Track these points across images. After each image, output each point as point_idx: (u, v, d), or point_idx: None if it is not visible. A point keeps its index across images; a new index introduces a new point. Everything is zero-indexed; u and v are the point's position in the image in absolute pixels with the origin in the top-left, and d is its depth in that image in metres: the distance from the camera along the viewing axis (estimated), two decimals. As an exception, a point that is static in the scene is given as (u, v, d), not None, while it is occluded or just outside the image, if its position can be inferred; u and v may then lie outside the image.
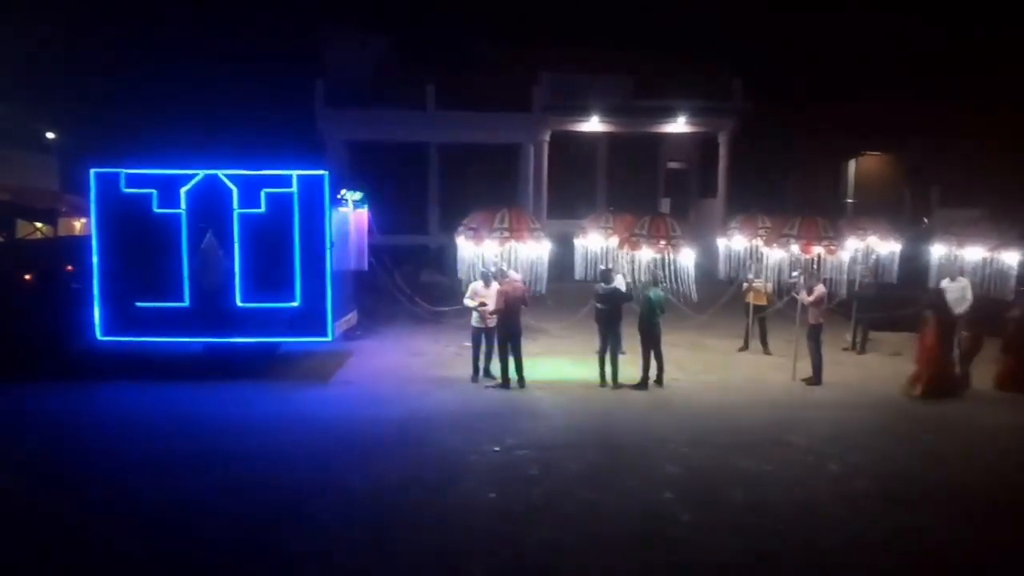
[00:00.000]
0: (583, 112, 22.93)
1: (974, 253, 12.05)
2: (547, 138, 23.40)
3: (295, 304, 10.73)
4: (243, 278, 10.72)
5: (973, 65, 20.07)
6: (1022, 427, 9.32)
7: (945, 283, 11.75)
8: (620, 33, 23.78)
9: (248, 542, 5.86)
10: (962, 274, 11.87)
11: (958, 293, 11.56)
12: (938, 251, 12.62)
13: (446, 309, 13.58)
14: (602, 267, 11.57)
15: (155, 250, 10.68)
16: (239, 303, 10.72)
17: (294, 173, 10.71)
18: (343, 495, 6.77)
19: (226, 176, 10.70)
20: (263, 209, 10.66)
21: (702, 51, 23.51)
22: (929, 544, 5.95)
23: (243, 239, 10.68)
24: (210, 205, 10.69)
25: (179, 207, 10.70)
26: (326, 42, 23.37)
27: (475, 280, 10.87)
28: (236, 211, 10.68)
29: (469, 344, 11.10)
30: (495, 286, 10.52)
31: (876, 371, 12.07)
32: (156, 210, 10.68)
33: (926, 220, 23.43)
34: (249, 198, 10.67)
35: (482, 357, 10.89)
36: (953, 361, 10.73)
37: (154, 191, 10.69)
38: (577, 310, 13.33)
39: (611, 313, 10.53)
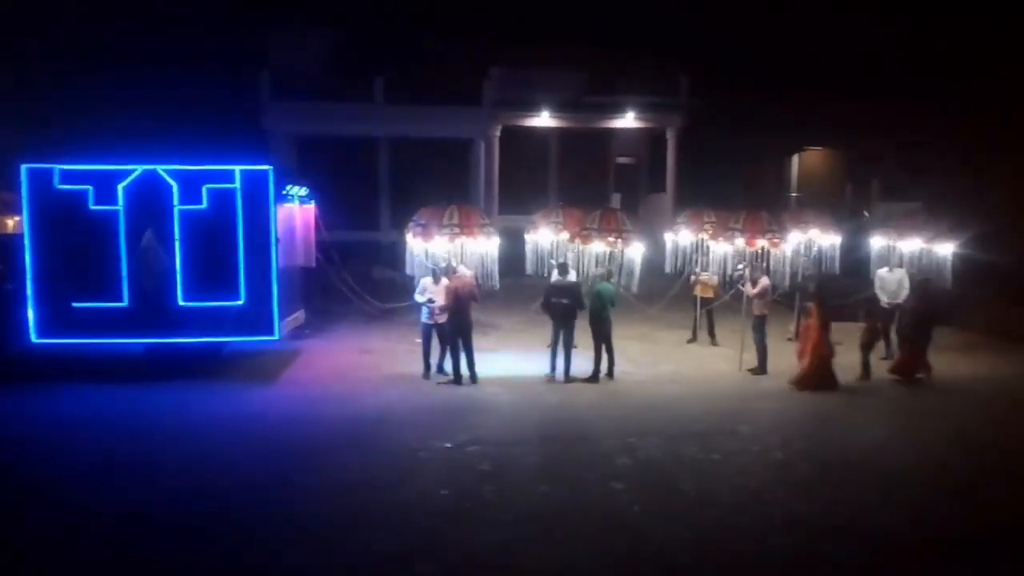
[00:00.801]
0: (533, 107, 22.94)
1: (911, 244, 12.44)
2: (498, 133, 23.36)
3: (240, 303, 10.47)
4: (185, 276, 10.41)
5: (911, 63, 20.71)
6: (957, 412, 9.66)
7: (883, 272, 12.16)
8: (570, 29, 23.86)
9: (193, 549, 5.70)
10: (900, 265, 12.28)
11: (894, 285, 11.97)
12: (877, 243, 12.99)
13: (397, 306, 13.45)
14: (559, 260, 11.54)
15: (92, 248, 10.31)
16: (181, 302, 10.41)
17: (237, 168, 10.44)
18: (292, 497, 6.64)
19: (165, 171, 10.37)
20: (205, 205, 10.36)
21: (651, 47, 23.76)
22: (870, 526, 6.12)
23: (184, 236, 10.37)
24: (149, 201, 10.35)
25: (116, 204, 10.33)
26: (271, 33, 22.86)
27: (425, 276, 10.78)
28: (176, 207, 10.36)
29: (420, 341, 11.01)
30: (444, 282, 10.46)
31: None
32: (92, 207, 10.29)
33: (867, 213, 24.16)
34: (190, 194, 10.37)
35: (434, 353, 10.82)
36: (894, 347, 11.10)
37: (90, 187, 10.30)
38: (528, 305, 13.35)
39: (569, 307, 10.56)
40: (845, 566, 5.50)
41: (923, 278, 11.60)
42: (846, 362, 10.86)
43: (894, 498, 6.72)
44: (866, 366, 11.01)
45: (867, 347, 11.10)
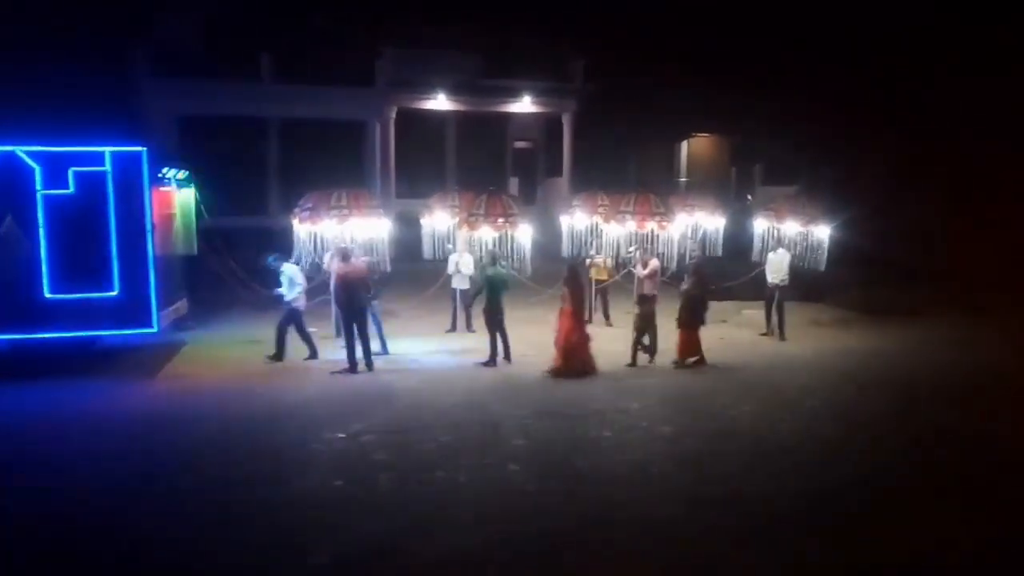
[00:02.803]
0: (429, 89, 22.67)
1: (791, 227, 13.08)
2: (393, 115, 22.94)
3: (114, 293, 9.84)
4: (51, 267, 9.67)
5: (796, 52, 21.78)
6: (816, 387, 10.29)
7: (770, 255, 12.79)
8: (465, 9, 23.64)
9: (66, 556, 5.32)
10: (780, 246, 12.92)
11: (776, 264, 12.63)
12: (760, 225, 13.60)
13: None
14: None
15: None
16: (47, 294, 9.67)
17: (107, 150, 9.77)
18: (174, 497, 6.31)
19: (26, 153, 9.57)
20: (72, 190, 9.64)
21: (546, 31, 23.91)
22: (750, 494, 6.45)
23: (49, 223, 9.63)
24: (8, 185, 9.55)
25: (-31, 188, 9.46)
26: (148, 4, 21.40)
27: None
28: (40, 192, 9.59)
29: (315, 329, 10.76)
30: (336, 266, 10.27)
31: (705, 337, 12.87)
32: (-60, 192, 9.41)
33: (750, 197, 25.39)
34: (55, 177, 9.63)
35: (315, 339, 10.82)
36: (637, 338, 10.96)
37: (-64, 170, 9.39)
38: (425, 290, 13.24)
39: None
40: (719, 532, 5.77)
41: (695, 260, 11.61)
42: (727, 336, 11.33)
43: (770, 467, 7.11)
44: (636, 353, 10.86)
45: (640, 333, 10.90)
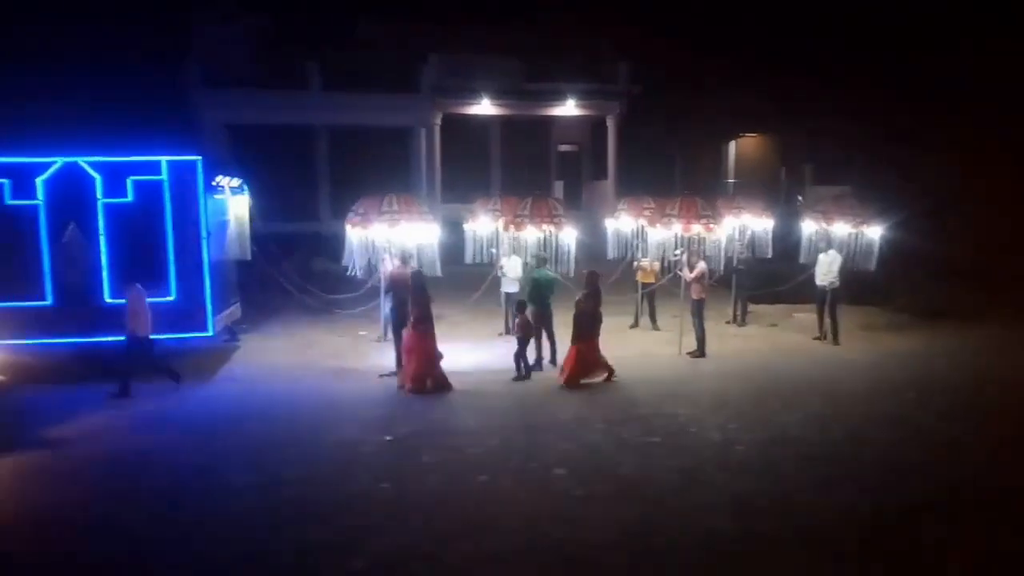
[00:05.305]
0: (473, 94, 22.80)
1: (840, 229, 12.77)
2: (438, 121, 23.14)
3: (170, 299, 10.15)
4: (111, 273, 10.04)
5: (847, 48, 21.27)
6: (872, 393, 10.01)
7: (820, 256, 12.51)
8: (509, 14, 23.76)
9: (129, 549, 5.51)
10: (830, 247, 12.62)
11: (825, 266, 12.34)
12: (808, 227, 13.31)
13: (340, 297, 13.23)
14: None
15: (11, 245, 9.86)
16: (108, 300, 10.02)
17: (164, 159, 10.10)
18: (230, 494, 6.47)
19: (88, 164, 9.96)
20: (130, 198, 10.00)
21: (590, 33, 23.85)
22: (803, 503, 6.30)
23: (109, 231, 10.01)
24: (71, 195, 9.96)
25: (36, 198, 9.88)
26: (200, 18, 22.06)
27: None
28: (100, 201, 9.97)
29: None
30: (388, 269, 10.44)
31: (755, 342, 12.72)
32: (9, 201, 9.86)
33: (800, 198, 24.84)
34: (114, 186, 10.01)
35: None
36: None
37: (6, 181, 9.87)
38: (471, 294, 13.32)
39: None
40: (775, 542, 5.64)
41: (590, 271, 10.44)
42: (779, 341, 11.11)
43: (842, 480, 6.87)
44: (525, 366, 10.25)
45: (524, 342, 10.25)
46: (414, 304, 9.60)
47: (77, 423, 8.43)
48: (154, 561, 5.39)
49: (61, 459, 7.37)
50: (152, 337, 9.55)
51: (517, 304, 10.59)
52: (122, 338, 9.41)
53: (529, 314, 10.50)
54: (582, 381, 9.82)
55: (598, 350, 10.00)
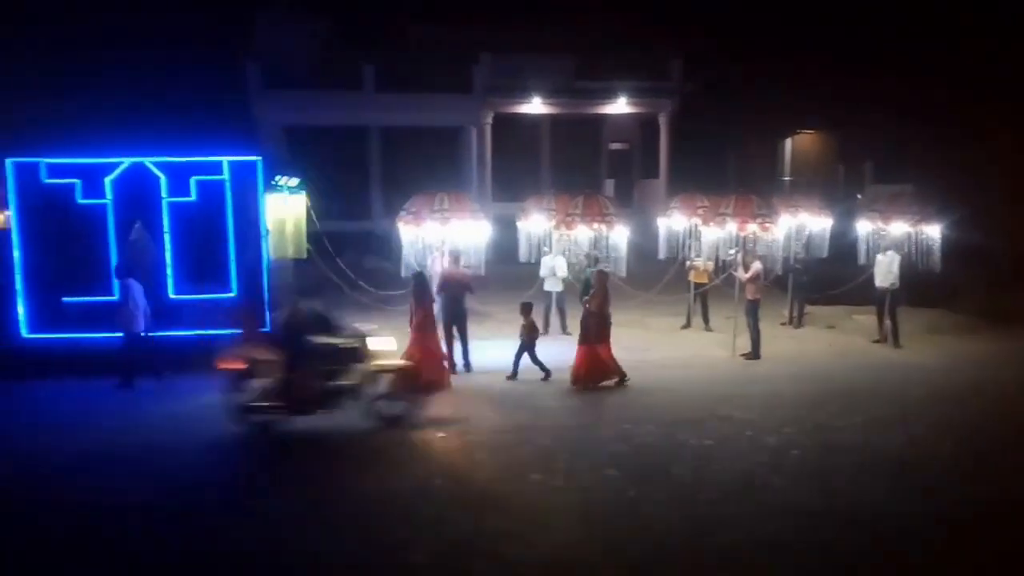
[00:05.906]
0: (525, 93, 22.80)
1: (898, 228, 12.36)
2: (490, 120, 23.22)
3: (231, 295, 10.44)
4: (175, 269, 10.39)
5: (905, 43, 20.61)
6: (936, 398, 9.68)
7: (879, 257, 12.15)
8: (560, 13, 23.68)
9: (201, 537, 5.71)
10: (889, 247, 12.22)
11: (884, 268, 11.97)
12: (864, 227, 12.92)
13: (392, 294, 13.40)
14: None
15: (81, 242, 10.27)
16: (172, 295, 10.37)
17: (225, 159, 10.39)
18: (289, 485, 6.63)
19: (153, 164, 10.32)
20: (194, 197, 10.32)
21: (642, 31, 23.60)
22: (865, 512, 6.13)
23: (173, 229, 10.35)
24: (137, 194, 10.33)
25: (104, 197, 10.29)
26: (259, 21, 22.63)
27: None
28: (165, 200, 10.32)
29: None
30: (439, 268, 10.52)
31: (812, 344, 12.42)
32: (80, 201, 10.26)
33: (859, 196, 24.14)
34: (178, 186, 10.34)
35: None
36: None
37: (77, 181, 10.27)
38: (521, 293, 13.32)
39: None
40: (838, 552, 5.50)
41: (598, 270, 10.36)
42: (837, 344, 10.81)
43: (899, 486, 6.70)
44: (541, 367, 10.12)
45: (528, 347, 10.10)
46: (418, 306, 9.74)
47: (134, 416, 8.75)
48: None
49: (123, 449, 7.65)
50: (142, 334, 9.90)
51: (522, 305, 10.46)
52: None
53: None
54: (601, 384, 9.70)
55: (610, 352, 9.88)
